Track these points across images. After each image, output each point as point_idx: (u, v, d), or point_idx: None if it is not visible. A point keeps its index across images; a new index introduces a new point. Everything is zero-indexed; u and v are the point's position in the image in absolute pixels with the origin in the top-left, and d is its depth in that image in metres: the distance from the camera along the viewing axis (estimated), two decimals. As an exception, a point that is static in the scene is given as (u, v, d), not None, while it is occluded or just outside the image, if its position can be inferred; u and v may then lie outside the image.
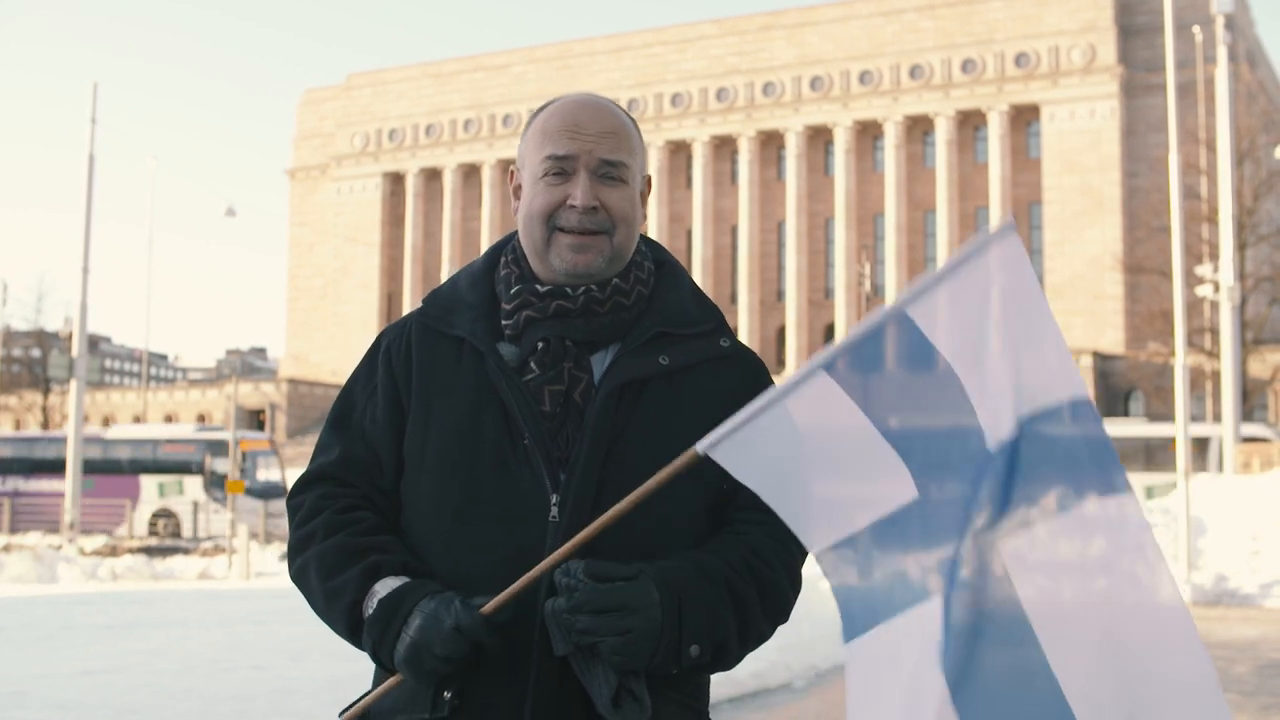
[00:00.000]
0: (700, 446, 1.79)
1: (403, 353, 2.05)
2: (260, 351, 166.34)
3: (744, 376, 2.04)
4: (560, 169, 1.98)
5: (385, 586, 1.89)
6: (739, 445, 1.77)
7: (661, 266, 2.14)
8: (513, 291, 2.02)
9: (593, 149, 1.98)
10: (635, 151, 2.04)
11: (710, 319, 2.08)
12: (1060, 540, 1.62)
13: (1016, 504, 1.62)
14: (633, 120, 2.08)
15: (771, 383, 2.07)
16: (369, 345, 2.17)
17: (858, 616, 1.71)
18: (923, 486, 1.69)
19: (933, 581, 1.65)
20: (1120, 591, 1.60)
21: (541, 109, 2.07)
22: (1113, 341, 62.45)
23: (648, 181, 2.11)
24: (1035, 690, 1.59)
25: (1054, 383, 1.65)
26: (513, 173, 2.11)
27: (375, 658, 1.90)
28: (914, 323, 1.71)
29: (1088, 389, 1.67)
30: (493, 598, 1.83)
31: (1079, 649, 1.59)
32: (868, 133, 72.53)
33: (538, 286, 2.01)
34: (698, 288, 2.14)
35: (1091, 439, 1.63)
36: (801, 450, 1.74)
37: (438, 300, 2.09)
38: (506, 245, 2.13)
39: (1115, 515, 1.61)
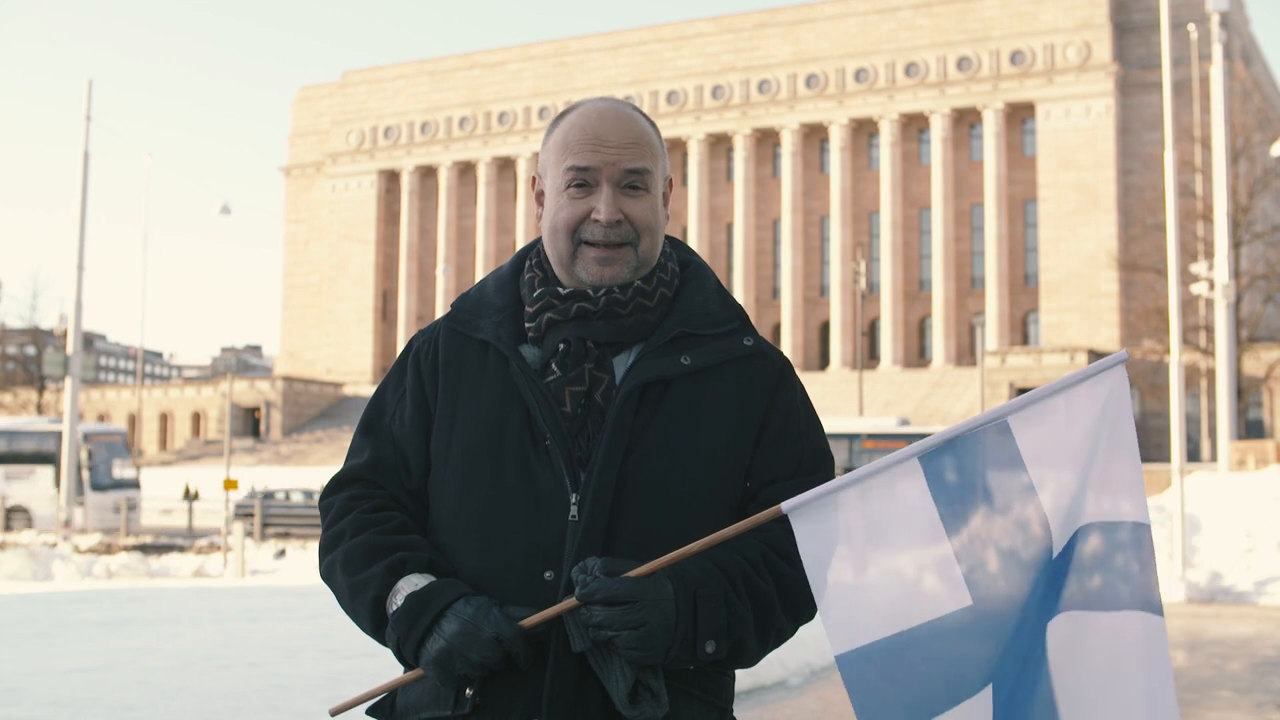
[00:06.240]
0: (785, 506, 1.81)
1: (430, 357, 2.08)
2: (255, 349, 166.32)
3: (768, 375, 2.05)
4: (583, 180, 1.99)
5: (411, 583, 1.91)
6: (819, 510, 1.80)
7: (686, 267, 2.15)
8: (535, 294, 2.04)
9: (615, 160, 1.99)
10: (657, 157, 2.05)
11: (734, 318, 2.08)
12: (1094, 635, 1.75)
13: (1066, 599, 1.75)
14: (653, 124, 2.09)
15: (796, 381, 2.09)
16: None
17: (889, 714, 1.76)
18: (977, 595, 1.77)
19: (982, 676, 1.75)
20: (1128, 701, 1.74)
21: (562, 116, 2.07)
22: (1108, 339, 62.55)
23: (669, 183, 2.12)
24: None
25: (1122, 505, 1.77)
26: (534, 179, 2.12)
27: (398, 653, 1.91)
28: (1012, 433, 1.80)
29: (1150, 519, 1.79)
30: (525, 606, 1.85)
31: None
32: (863, 130, 72.57)
33: (559, 289, 2.02)
34: (723, 287, 2.15)
35: (1144, 560, 1.75)
36: (867, 535, 1.80)
37: (465, 304, 2.12)
38: (532, 250, 2.14)
39: (1143, 634, 1.73)
